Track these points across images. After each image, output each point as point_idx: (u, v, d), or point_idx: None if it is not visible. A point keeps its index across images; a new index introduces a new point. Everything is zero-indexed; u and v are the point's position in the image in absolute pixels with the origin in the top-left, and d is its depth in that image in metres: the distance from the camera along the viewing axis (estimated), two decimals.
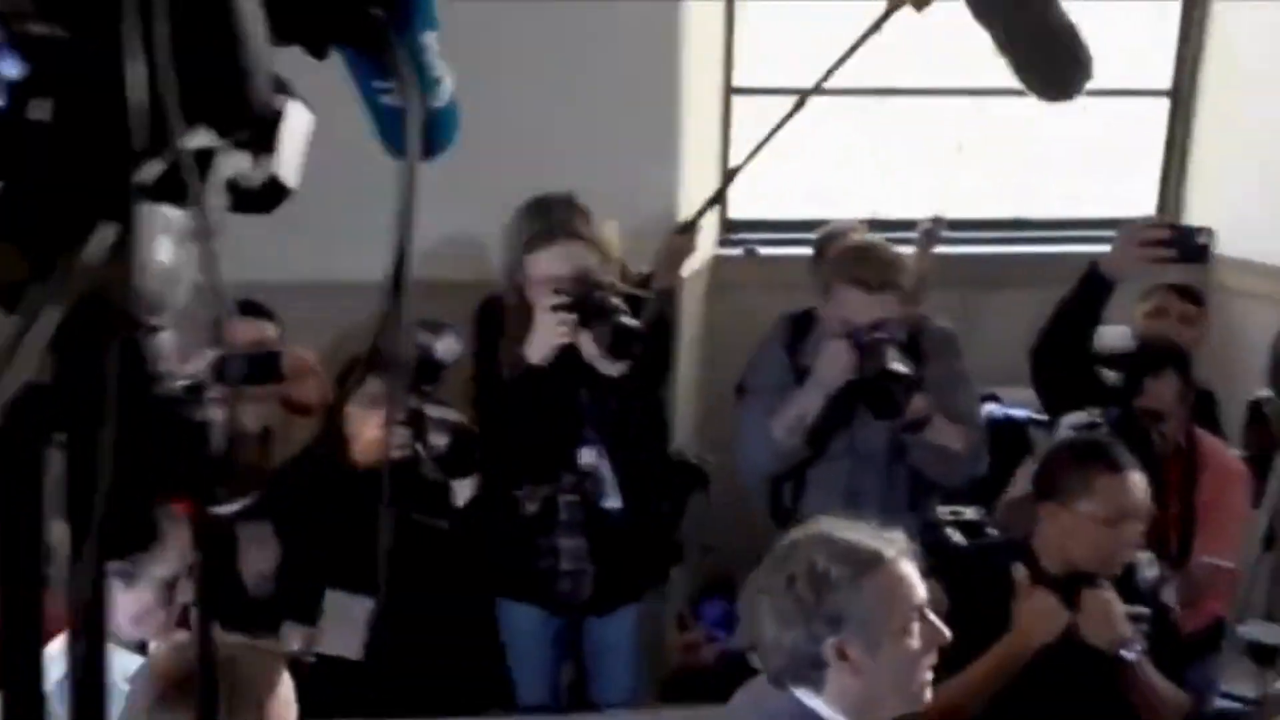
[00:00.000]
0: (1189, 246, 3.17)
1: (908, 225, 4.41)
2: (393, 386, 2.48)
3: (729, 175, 3.79)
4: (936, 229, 4.31)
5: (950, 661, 2.64)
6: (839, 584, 2.02)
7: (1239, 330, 4.51)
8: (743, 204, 4.89)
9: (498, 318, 3.18)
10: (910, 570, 2.08)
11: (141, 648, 2.39)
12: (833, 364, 3.10)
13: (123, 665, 2.22)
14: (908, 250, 4.24)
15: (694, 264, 4.56)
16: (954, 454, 3.17)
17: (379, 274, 1.05)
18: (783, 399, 3.19)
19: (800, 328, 3.32)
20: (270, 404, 3.11)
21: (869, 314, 3.07)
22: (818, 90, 3.53)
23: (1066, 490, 2.75)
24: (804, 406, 3.17)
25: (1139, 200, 5.09)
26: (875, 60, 3.79)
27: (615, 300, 2.99)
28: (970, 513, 3.72)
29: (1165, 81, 5.04)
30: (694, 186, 4.68)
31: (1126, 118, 5.16)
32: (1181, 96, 5.02)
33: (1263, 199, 4.29)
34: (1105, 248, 3.38)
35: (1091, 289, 3.23)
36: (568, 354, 2.99)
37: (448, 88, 1.41)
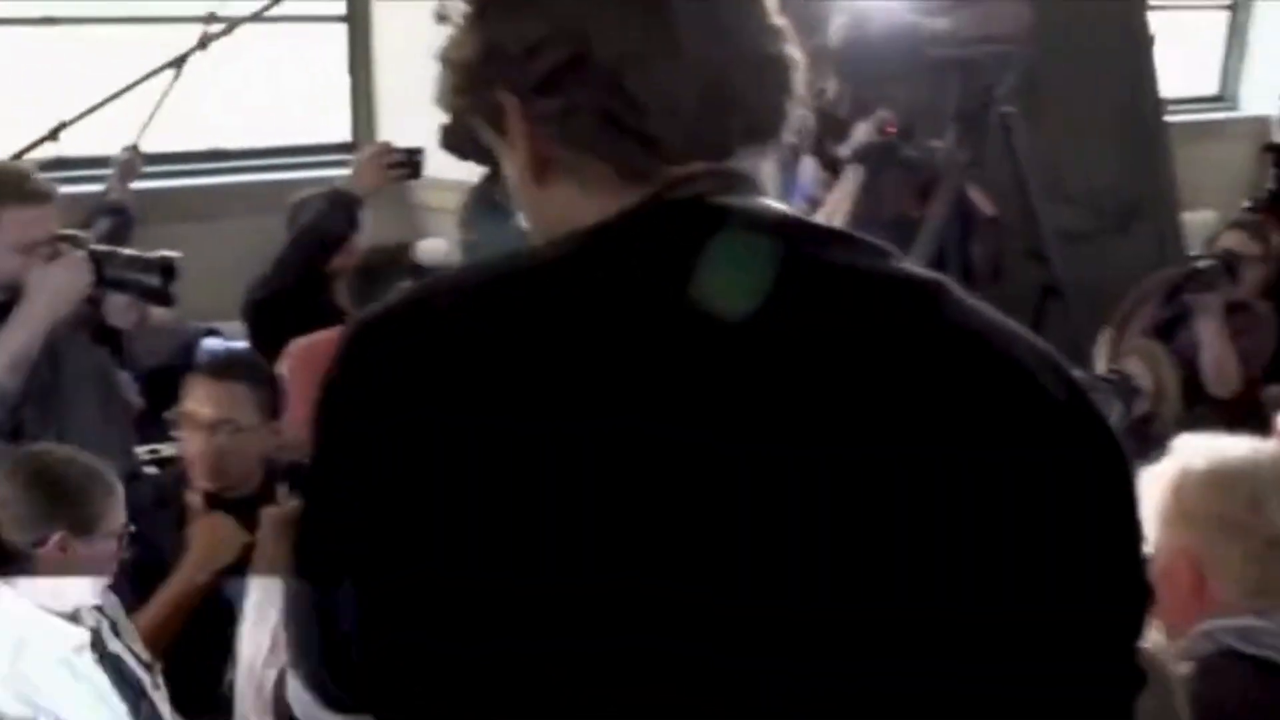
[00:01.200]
0: (415, 164, 3.72)
1: (101, 162, 4.24)
2: None
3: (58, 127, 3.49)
4: (134, 163, 4.19)
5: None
6: None
7: None
8: None
9: None
10: None
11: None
12: (75, 282, 2.90)
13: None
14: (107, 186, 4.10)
15: None
16: None
17: None
18: None
19: None
20: None
21: (43, 228, 2.94)
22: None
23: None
24: (24, 342, 2.94)
25: (336, 128, 5.26)
26: None
27: None
28: (167, 449, 3.70)
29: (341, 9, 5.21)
30: None
31: (315, 46, 5.28)
32: (356, 22, 5.21)
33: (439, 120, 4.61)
34: (304, 174, 3.49)
35: (339, 211, 3.53)
36: None
37: None
